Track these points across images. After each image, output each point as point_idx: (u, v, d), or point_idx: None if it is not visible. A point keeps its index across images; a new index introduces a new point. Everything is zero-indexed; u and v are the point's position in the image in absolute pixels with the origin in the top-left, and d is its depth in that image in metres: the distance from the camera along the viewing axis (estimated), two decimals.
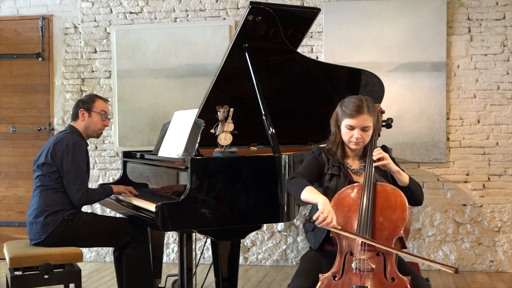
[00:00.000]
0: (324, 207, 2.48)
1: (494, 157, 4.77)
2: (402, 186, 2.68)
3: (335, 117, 2.77)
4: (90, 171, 5.26)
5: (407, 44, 4.79)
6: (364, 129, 2.68)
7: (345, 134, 2.71)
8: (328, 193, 2.68)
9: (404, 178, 2.68)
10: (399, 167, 2.72)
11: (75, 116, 3.61)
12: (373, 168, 2.63)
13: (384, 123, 2.88)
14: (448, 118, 4.80)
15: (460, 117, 4.80)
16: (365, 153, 2.78)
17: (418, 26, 4.77)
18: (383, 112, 2.88)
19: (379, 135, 2.81)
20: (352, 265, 2.41)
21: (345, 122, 2.69)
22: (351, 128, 2.68)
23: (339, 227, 2.49)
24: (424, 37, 4.76)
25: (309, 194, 2.57)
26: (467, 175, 4.81)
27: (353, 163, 2.77)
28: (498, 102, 4.75)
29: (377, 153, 2.66)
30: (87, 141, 3.67)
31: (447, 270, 2.33)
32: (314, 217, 2.46)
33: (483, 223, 4.79)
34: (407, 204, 2.52)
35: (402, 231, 2.47)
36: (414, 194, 2.71)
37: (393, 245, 2.46)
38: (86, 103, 3.60)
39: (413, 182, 2.71)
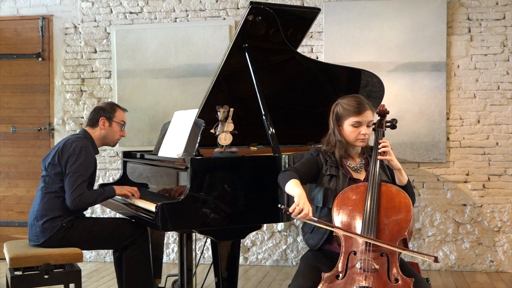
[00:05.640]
0: (299, 199, 2.49)
1: (494, 157, 4.77)
2: (399, 186, 2.71)
3: (334, 116, 2.79)
4: None
5: (407, 44, 4.79)
6: (368, 124, 2.74)
7: (351, 132, 2.73)
8: (329, 194, 2.69)
9: (404, 178, 2.73)
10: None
11: (94, 123, 3.58)
12: (378, 166, 2.65)
13: (388, 124, 2.89)
14: (448, 118, 4.80)
15: (460, 117, 4.80)
16: (363, 151, 2.81)
17: (418, 26, 4.77)
18: (387, 112, 2.89)
19: (383, 135, 2.82)
20: (357, 265, 2.41)
21: (351, 120, 2.72)
22: (359, 125, 2.71)
23: (316, 219, 2.52)
24: (424, 37, 4.76)
25: (291, 186, 2.59)
26: (467, 175, 4.81)
27: (353, 161, 2.80)
28: (498, 102, 4.75)
29: (383, 144, 2.68)
30: (100, 149, 3.65)
31: (426, 259, 2.42)
32: (290, 209, 2.46)
33: (483, 223, 4.79)
34: (412, 206, 2.54)
35: (406, 233, 2.47)
36: (409, 195, 2.71)
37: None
38: (108, 112, 3.57)
39: (410, 183, 2.76)
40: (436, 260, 2.39)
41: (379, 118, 2.88)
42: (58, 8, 5.36)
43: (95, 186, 4.10)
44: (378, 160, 2.67)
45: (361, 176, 2.74)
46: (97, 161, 5.29)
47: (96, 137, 3.58)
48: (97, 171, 5.28)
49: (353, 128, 2.72)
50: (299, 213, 2.45)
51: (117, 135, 3.63)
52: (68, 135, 3.58)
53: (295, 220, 3.40)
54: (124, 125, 3.66)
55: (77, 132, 3.66)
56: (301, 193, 2.53)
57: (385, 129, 2.85)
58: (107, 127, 3.58)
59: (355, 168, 2.76)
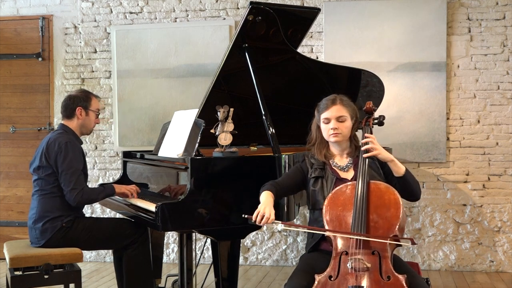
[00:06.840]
0: (260, 206, 2.56)
1: (494, 157, 4.77)
2: (398, 177, 2.66)
3: (315, 121, 2.85)
4: (90, 171, 5.29)
5: (407, 44, 4.79)
6: (339, 119, 2.73)
7: (324, 129, 2.77)
8: (315, 195, 2.70)
9: (399, 168, 2.65)
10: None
11: (70, 113, 3.53)
12: (367, 164, 2.63)
13: (376, 121, 2.87)
14: (448, 118, 4.80)
15: (460, 117, 4.80)
16: (353, 149, 2.80)
17: (418, 26, 4.77)
18: (374, 109, 2.86)
19: (371, 132, 2.79)
20: (348, 264, 2.41)
21: (322, 117, 2.76)
22: (328, 121, 2.74)
23: (279, 222, 2.55)
24: (424, 37, 4.76)
25: (260, 198, 2.66)
26: (467, 175, 4.81)
27: (341, 161, 2.79)
28: (498, 102, 4.75)
29: (365, 140, 2.65)
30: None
31: (404, 243, 2.48)
32: (253, 217, 2.53)
33: (483, 223, 4.79)
34: (401, 202, 2.52)
35: (396, 229, 2.47)
36: (411, 185, 2.67)
37: (387, 244, 2.45)
38: (84, 101, 3.53)
39: (409, 173, 2.69)
40: (412, 242, 2.40)
41: (366, 116, 2.86)
42: (58, 8, 5.36)
43: (95, 185, 4.11)
44: (366, 158, 2.65)
45: (349, 175, 2.73)
46: (97, 161, 5.35)
47: (74, 128, 3.54)
48: (97, 170, 5.30)
49: (325, 125, 2.76)
50: (262, 218, 2.51)
51: (93, 124, 3.60)
52: (49, 134, 3.54)
53: (294, 220, 3.40)
54: (99, 113, 3.63)
55: (57, 128, 3.62)
56: (264, 201, 2.60)
57: (372, 127, 2.83)
58: (84, 116, 3.53)
59: (341, 167, 2.76)
